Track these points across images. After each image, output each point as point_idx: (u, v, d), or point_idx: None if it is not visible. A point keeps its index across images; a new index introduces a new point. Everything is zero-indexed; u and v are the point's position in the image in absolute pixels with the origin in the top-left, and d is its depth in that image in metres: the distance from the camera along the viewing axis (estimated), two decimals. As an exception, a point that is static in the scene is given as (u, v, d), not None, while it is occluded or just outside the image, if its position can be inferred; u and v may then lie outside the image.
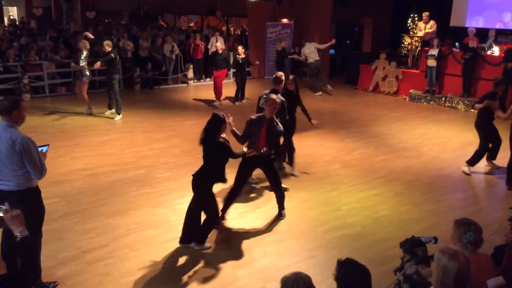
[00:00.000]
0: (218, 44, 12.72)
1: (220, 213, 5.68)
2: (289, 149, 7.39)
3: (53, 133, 9.48)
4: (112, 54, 10.46)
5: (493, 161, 8.00)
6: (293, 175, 7.37)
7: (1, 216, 2.64)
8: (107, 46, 10.54)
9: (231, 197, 5.84)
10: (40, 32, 17.81)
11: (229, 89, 13.23)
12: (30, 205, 4.09)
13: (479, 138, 7.81)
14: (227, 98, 13.02)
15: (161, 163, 7.91)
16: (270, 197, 6.55)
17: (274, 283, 4.57)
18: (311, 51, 14.27)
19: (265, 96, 7.04)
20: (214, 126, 5.08)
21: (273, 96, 5.83)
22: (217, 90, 12.41)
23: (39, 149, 4.24)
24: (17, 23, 20.43)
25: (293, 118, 7.27)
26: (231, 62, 13.05)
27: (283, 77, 7.23)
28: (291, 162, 7.44)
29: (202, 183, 5.15)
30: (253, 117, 5.79)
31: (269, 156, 5.79)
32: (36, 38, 16.02)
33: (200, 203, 5.22)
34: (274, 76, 7.29)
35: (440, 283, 2.64)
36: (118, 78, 11.05)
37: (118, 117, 10.77)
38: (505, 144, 7.62)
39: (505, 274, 3.26)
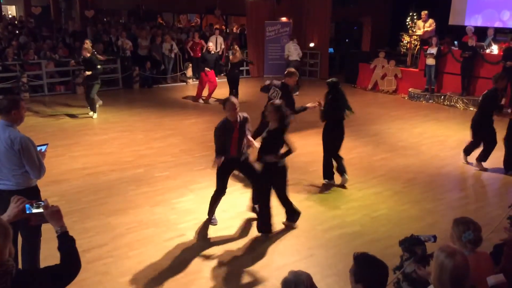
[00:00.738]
0: (210, 44, 12.72)
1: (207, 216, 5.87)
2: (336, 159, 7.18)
3: (51, 132, 9.48)
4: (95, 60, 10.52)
5: (483, 163, 7.84)
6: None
7: (42, 212, 2.69)
8: (87, 51, 10.46)
9: (217, 199, 5.80)
10: (39, 31, 17.79)
11: (226, 89, 13.20)
12: None
13: (485, 137, 7.70)
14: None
15: (160, 162, 7.91)
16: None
17: (273, 282, 4.58)
18: (296, 49, 14.44)
19: (274, 86, 7.18)
20: (280, 115, 5.26)
21: (233, 99, 5.54)
22: (200, 90, 12.58)
23: (38, 148, 4.24)
24: (15, 21, 20.42)
25: (337, 126, 7.00)
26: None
27: (294, 71, 7.45)
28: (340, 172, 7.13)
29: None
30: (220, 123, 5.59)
31: (246, 159, 5.69)
32: (35, 37, 15.99)
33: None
34: (286, 70, 7.49)
35: (438, 281, 2.66)
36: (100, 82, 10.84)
37: (95, 115, 10.81)
38: (501, 144, 7.63)
39: (504, 273, 3.26)
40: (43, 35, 16.20)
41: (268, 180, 5.47)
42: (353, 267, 2.74)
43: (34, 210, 2.71)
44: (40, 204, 2.72)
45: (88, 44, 10.85)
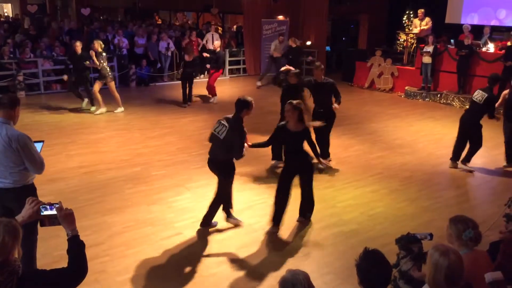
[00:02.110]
0: (216, 43, 12.62)
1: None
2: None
3: (48, 131, 9.44)
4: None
5: (468, 164, 7.74)
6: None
7: (55, 214, 2.73)
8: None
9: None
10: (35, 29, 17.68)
11: (223, 86, 13.17)
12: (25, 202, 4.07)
13: (473, 137, 7.55)
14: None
15: (157, 161, 7.90)
16: (265, 194, 6.55)
17: (271, 280, 4.59)
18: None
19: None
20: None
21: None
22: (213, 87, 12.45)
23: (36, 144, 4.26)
24: (10, 19, 20.32)
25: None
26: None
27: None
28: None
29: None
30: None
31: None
32: (30, 36, 15.90)
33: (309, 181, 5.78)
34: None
35: (432, 279, 2.67)
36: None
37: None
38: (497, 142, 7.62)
39: (499, 270, 3.27)
40: (30, 33, 16.06)
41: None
42: (359, 262, 2.77)
43: (48, 212, 2.75)
44: (54, 206, 2.75)
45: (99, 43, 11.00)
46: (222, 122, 5.34)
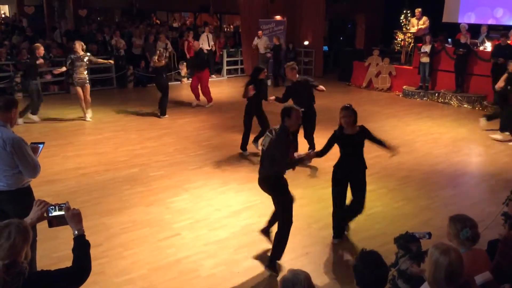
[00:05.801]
0: (196, 42, 12.46)
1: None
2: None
3: (45, 132, 9.42)
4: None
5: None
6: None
7: (62, 214, 2.78)
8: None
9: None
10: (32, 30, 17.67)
11: (221, 86, 13.13)
12: (20, 205, 4.04)
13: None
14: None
15: (155, 162, 7.88)
16: (264, 194, 6.53)
17: (269, 280, 4.59)
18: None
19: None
20: None
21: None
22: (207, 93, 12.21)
23: (39, 146, 4.28)
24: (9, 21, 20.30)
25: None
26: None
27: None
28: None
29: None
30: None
31: None
32: (28, 37, 15.88)
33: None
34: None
35: (432, 278, 2.68)
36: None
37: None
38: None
39: (497, 269, 3.28)
40: (27, 35, 16.05)
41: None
42: (355, 263, 2.78)
43: (56, 213, 2.81)
44: (62, 206, 2.80)
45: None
46: (268, 133, 4.81)
